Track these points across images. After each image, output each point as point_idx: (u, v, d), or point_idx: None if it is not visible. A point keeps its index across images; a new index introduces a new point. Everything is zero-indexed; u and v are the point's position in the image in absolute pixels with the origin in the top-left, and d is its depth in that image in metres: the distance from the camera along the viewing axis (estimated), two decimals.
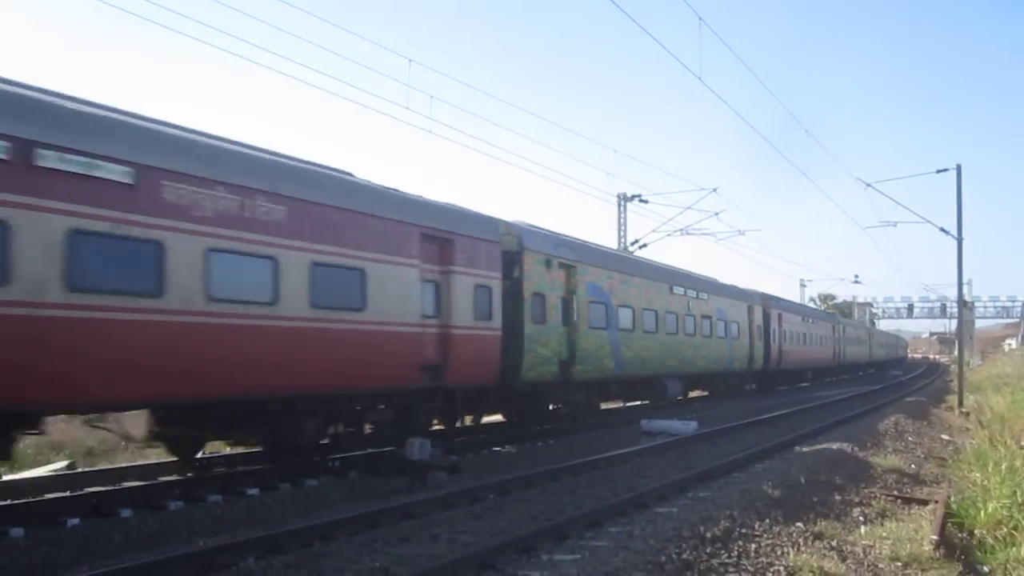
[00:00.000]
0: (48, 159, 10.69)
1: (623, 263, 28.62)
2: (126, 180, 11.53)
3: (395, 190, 17.49)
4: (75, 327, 10.94)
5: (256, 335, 13.36)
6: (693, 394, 36.80)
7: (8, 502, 12.11)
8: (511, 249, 20.66)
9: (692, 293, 32.88)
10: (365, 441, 16.69)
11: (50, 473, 15.10)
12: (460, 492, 13.16)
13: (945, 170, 37.93)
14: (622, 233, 41.52)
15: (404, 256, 16.53)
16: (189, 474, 14.60)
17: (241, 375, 13.13)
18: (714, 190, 41.67)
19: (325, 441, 15.73)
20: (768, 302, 44.36)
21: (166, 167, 12.08)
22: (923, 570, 10.74)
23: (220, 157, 13.28)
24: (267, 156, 14.56)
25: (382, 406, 16.42)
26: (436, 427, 19.08)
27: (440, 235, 17.68)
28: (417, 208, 17.45)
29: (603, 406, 28.57)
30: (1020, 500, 12.96)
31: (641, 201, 41.44)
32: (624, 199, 41.52)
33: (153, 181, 11.87)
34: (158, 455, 16.41)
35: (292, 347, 13.94)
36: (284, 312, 13.79)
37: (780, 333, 45.09)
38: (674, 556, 9.25)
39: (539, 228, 23.40)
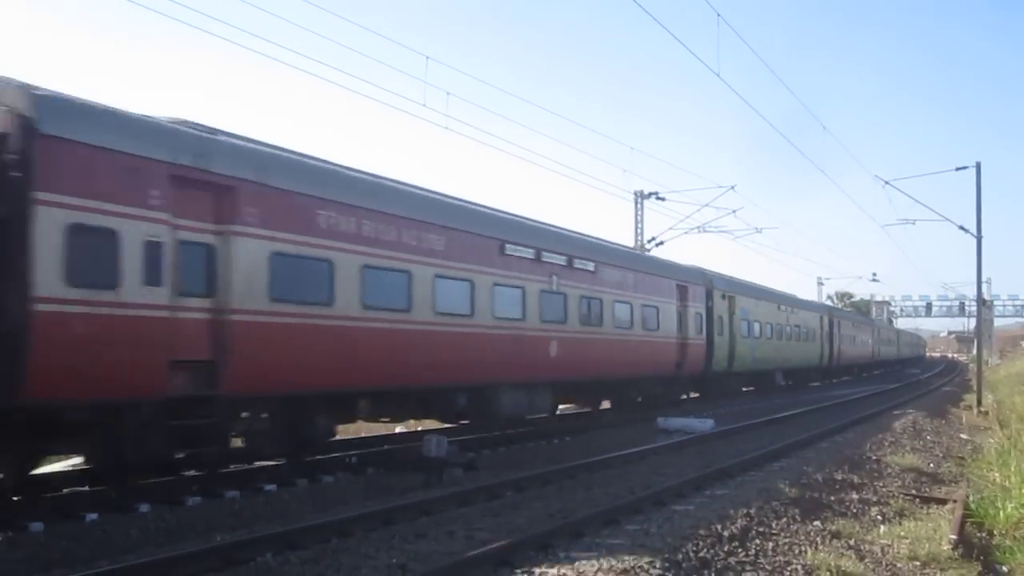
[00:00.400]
0: (577, 264, 22.90)
1: (756, 291, 40.68)
2: (592, 270, 23.75)
3: (661, 259, 33.05)
4: (580, 345, 22.94)
5: (626, 345, 25.70)
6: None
7: (27, 497, 12.18)
8: (708, 288, 33.24)
9: (789, 309, 44.72)
10: (646, 406, 28.46)
11: (69, 468, 15.19)
12: (477, 489, 13.16)
13: (964, 168, 37.68)
14: (639, 231, 41.44)
15: (670, 299, 29.27)
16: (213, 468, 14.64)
17: (622, 366, 25.59)
18: (732, 187, 41.47)
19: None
20: (832, 312, 56.76)
21: (605, 262, 24.73)
22: (942, 570, 10.69)
23: (619, 255, 27.00)
24: (622, 248, 29.87)
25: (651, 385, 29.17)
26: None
27: (682, 284, 30.66)
28: (673, 268, 31.26)
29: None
30: None
31: (658, 199, 41.32)
32: (641, 196, 41.39)
33: (600, 269, 24.20)
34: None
35: (637, 351, 26.42)
36: (634, 333, 26.23)
37: (839, 337, 55.55)
38: (691, 554, 9.23)
39: (719, 273, 36.00)
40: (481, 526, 10.84)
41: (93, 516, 11.25)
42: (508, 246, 19.91)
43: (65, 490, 12.83)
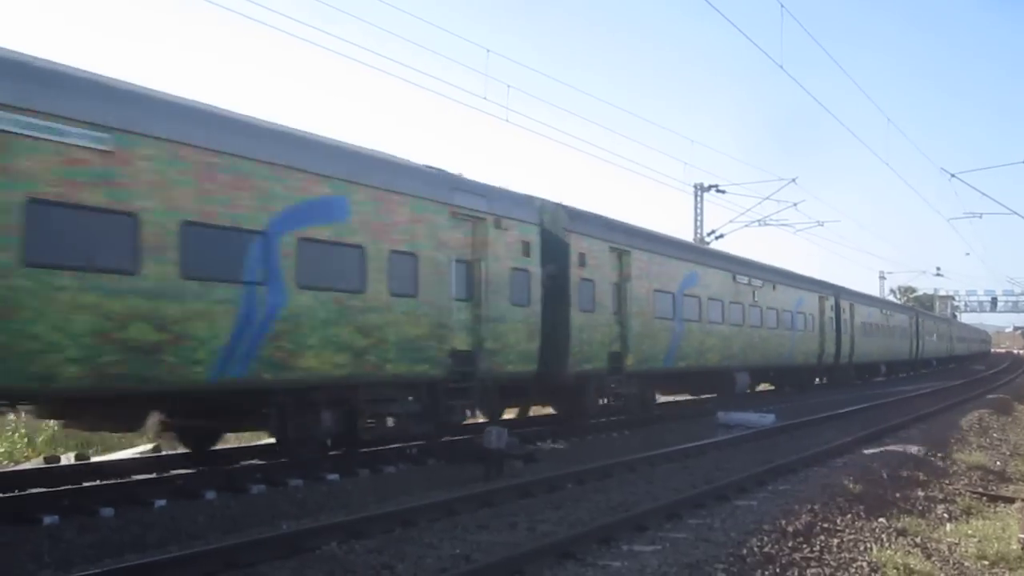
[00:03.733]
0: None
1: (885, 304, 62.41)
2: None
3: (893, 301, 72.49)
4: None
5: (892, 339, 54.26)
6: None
7: (98, 483, 12.44)
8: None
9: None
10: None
11: (136, 455, 15.49)
12: (538, 481, 13.19)
13: None
14: (699, 223, 41.17)
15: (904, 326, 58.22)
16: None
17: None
18: (793, 180, 41.16)
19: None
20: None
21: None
22: (1011, 570, 10.49)
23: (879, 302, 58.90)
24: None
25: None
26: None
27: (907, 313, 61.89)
28: (903, 307, 65.63)
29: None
30: None
31: (718, 191, 41.03)
32: (701, 189, 41.13)
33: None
34: (241, 439, 16.77)
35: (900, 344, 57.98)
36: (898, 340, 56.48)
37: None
38: (756, 549, 9.16)
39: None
40: (543, 518, 10.88)
41: (161, 502, 11.42)
42: None
43: (134, 477, 13.07)
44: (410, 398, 15.34)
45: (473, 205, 16.73)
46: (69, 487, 11.93)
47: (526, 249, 18.08)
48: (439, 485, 13.49)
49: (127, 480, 12.83)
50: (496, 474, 14.27)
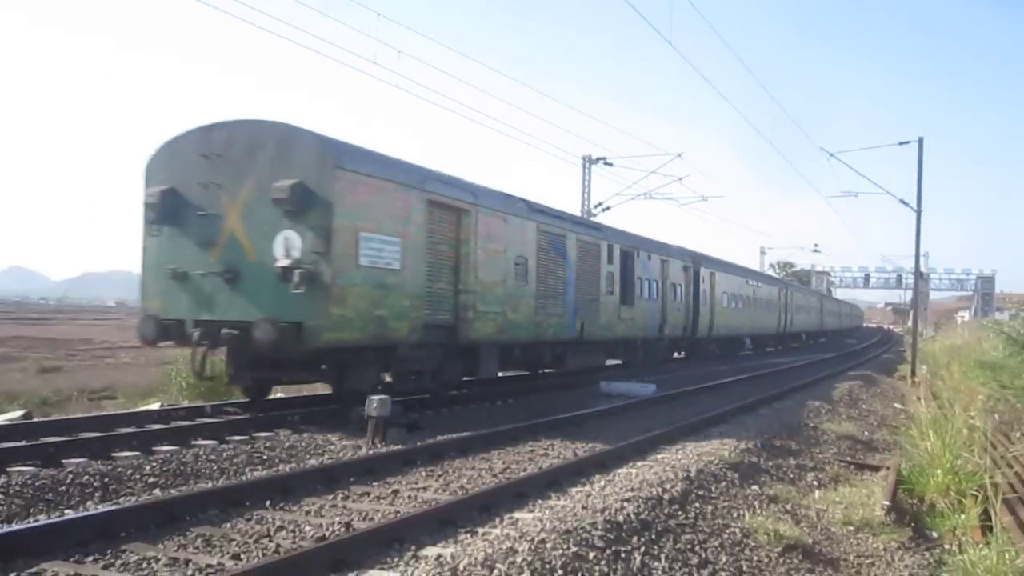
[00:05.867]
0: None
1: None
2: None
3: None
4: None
5: None
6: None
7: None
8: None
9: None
10: None
11: (6, 423, 14.96)
12: (420, 449, 13.15)
13: (907, 142, 38.25)
14: (586, 195, 41.50)
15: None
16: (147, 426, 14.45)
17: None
18: (679, 155, 41.72)
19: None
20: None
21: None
22: (874, 534, 10.95)
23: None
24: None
25: None
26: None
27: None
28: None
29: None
30: (962, 468, 13.07)
31: (606, 164, 41.41)
32: (589, 161, 41.44)
33: None
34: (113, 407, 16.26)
35: None
36: None
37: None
38: (632, 516, 9.31)
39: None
40: (425, 485, 10.89)
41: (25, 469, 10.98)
42: None
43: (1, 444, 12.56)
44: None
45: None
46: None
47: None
48: (321, 453, 13.33)
49: None
50: (379, 442, 14.19)
